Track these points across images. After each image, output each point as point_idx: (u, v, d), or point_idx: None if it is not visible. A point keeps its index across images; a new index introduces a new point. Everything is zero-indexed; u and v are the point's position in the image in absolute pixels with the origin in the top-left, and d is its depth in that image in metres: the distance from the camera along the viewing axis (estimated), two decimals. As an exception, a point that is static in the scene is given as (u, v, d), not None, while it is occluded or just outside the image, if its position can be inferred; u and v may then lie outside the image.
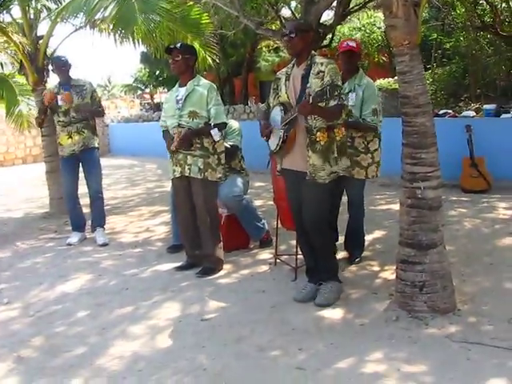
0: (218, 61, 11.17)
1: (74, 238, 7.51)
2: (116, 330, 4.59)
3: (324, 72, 4.52)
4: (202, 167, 5.65)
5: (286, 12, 17.16)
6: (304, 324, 4.43)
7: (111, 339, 4.41)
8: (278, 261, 5.97)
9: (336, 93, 4.41)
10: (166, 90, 37.47)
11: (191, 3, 10.75)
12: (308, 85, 4.56)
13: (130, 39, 9.82)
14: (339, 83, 4.55)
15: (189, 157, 5.66)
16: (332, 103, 4.47)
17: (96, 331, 4.60)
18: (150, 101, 43.34)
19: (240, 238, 6.54)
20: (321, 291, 4.85)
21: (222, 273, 5.79)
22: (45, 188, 9.84)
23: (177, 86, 5.88)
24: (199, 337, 4.33)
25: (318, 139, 4.57)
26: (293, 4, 16.31)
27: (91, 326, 4.73)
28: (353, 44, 5.73)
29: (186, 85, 5.73)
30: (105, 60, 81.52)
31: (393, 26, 4.31)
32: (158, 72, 30.26)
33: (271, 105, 4.97)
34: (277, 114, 4.81)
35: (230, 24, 16.78)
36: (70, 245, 7.37)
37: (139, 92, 45.74)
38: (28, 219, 9.50)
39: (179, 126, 5.66)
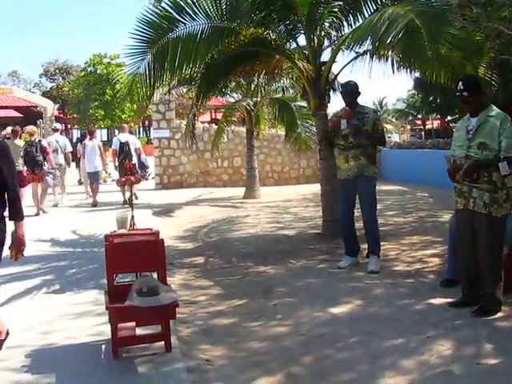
0: (496, 87, 10.67)
1: (346, 261, 7.54)
2: (386, 361, 4.51)
3: None
4: (487, 202, 5.34)
5: None
6: None
7: (381, 369, 4.35)
8: None
9: None
10: (438, 116, 36.80)
11: (472, 29, 10.44)
12: None
13: (408, 66, 9.86)
14: None
15: (474, 190, 5.40)
16: None
17: (366, 359, 4.56)
18: (421, 127, 42.86)
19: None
20: None
21: (499, 315, 5.41)
22: (317, 209, 10.09)
23: (468, 115, 5.68)
24: (474, 382, 4.08)
25: None
26: None
27: (361, 353, 4.70)
28: None
29: (477, 115, 5.51)
30: (377, 85, 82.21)
31: None
32: (431, 98, 29.77)
33: None
34: None
35: (512, 48, 15.98)
36: (340, 268, 7.43)
37: (410, 118, 45.62)
38: (301, 238, 9.80)
39: (467, 156, 5.44)
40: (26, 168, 13.69)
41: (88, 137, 17.46)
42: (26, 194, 13.63)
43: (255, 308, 6.02)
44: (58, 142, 16.13)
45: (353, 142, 7.44)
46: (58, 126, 18.94)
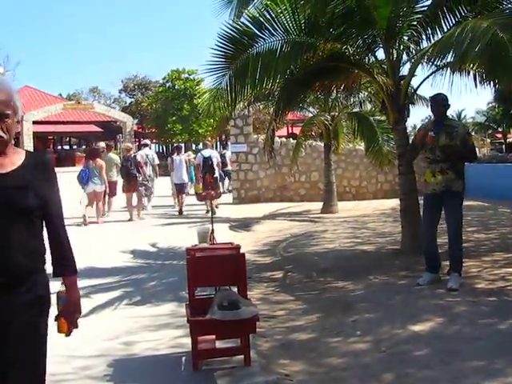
0: None
1: (426, 278, 7.40)
2: (468, 382, 4.43)
3: None
4: None
5: None
6: None
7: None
8: None
9: None
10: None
11: None
12: None
13: (492, 79, 9.64)
14: None
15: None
16: None
17: (447, 379, 4.50)
18: (501, 140, 41.77)
19: None
20: None
21: None
22: (396, 224, 9.98)
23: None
24: None
25: None
26: None
27: (442, 372, 4.63)
28: None
29: None
30: (456, 97, 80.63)
31: None
32: (513, 111, 29.04)
33: None
34: None
35: None
36: (420, 285, 7.30)
37: (490, 131, 44.57)
38: (380, 254, 9.71)
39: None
40: (122, 180, 15.88)
41: (176, 152, 18.72)
42: (115, 202, 16.46)
43: (334, 324, 6.00)
44: (147, 155, 17.63)
45: (440, 156, 7.33)
46: (147, 141, 21.23)
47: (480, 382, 4.41)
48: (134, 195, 15.74)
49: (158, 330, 5.91)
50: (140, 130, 53.57)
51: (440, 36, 9.27)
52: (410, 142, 8.64)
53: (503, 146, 46.61)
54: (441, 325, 5.81)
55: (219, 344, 5.02)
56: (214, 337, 4.93)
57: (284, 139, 22.07)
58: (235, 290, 5.00)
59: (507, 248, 9.70)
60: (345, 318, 6.18)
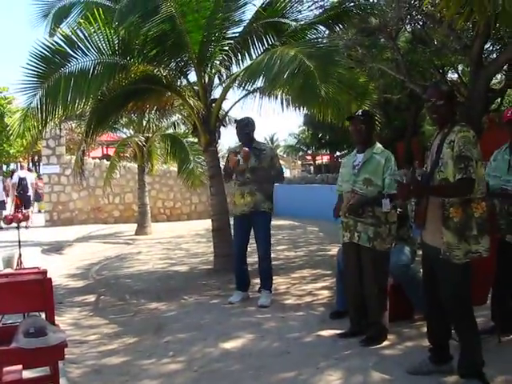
0: (381, 124, 11.19)
1: (237, 296, 7.59)
2: (277, 394, 4.57)
3: (454, 141, 4.27)
4: (371, 236, 5.55)
5: (452, 76, 16.87)
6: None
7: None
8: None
9: (462, 165, 4.18)
10: (328, 152, 37.82)
11: (357, 69, 10.94)
12: (441, 155, 4.36)
13: (297, 105, 10.18)
14: (468, 154, 4.19)
15: (359, 224, 5.60)
16: (458, 176, 4.20)
17: (257, 393, 4.61)
18: (311, 162, 43.84)
19: (405, 308, 6.34)
20: None
21: (385, 343, 5.60)
22: (209, 244, 10.13)
23: (355, 151, 5.90)
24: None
25: (451, 215, 4.29)
26: (460, 67, 16.01)
27: (253, 386, 4.75)
28: None
29: (364, 151, 5.73)
30: (269, 120, 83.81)
31: None
32: (320, 134, 30.65)
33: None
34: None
35: (395, 88, 16.77)
36: (231, 303, 7.46)
37: (301, 153, 46.59)
38: (193, 274, 9.81)
39: (353, 191, 5.65)
40: None
41: None
42: None
43: (147, 346, 5.95)
44: None
45: (250, 178, 7.52)
46: None
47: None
48: None
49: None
50: None
51: (250, 62, 9.64)
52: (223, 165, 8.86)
53: (311, 167, 49.03)
54: (251, 341, 5.95)
55: (27, 374, 4.80)
56: (20, 367, 4.70)
57: (98, 160, 21.68)
58: (43, 316, 4.82)
59: (315, 265, 10.18)
60: (158, 339, 6.15)
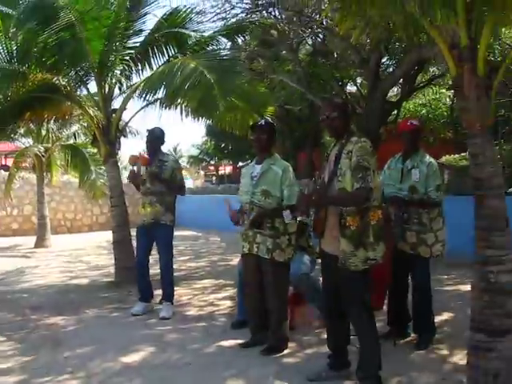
0: (282, 135, 11.36)
1: (139, 308, 7.51)
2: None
3: (352, 151, 4.41)
4: (270, 247, 5.58)
5: (351, 88, 17.36)
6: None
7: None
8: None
9: (360, 175, 4.32)
10: (230, 162, 37.97)
11: (259, 81, 11.09)
12: (339, 166, 4.49)
13: (198, 115, 10.22)
14: (366, 164, 4.34)
15: (258, 235, 5.62)
16: (356, 186, 4.34)
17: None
18: (214, 172, 43.86)
19: (305, 316, 6.45)
20: None
21: (286, 351, 5.68)
22: (110, 257, 9.97)
23: (254, 162, 5.93)
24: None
25: (348, 224, 4.41)
26: (358, 80, 16.49)
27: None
28: (415, 122, 5.85)
29: (262, 162, 5.77)
30: (172, 131, 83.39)
31: (465, 108, 4.29)
32: (223, 145, 30.75)
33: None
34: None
35: (297, 99, 17.08)
36: (134, 315, 7.38)
37: (204, 163, 46.50)
38: (94, 287, 9.61)
39: (251, 202, 5.67)
40: None
41: None
42: None
43: (45, 362, 5.76)
44: None
45: (150, 189, 7.48)
46: None
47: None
48: None
49: None
50: None
51: (150, 72, 9.60)
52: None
53: (214, 177, 49.11)
54: (152, 354, 5.88)
55: None
56: None
57: (-5, 171, 20.98)
58: None
59: (217, 275, 10.21)
60: (56, 355, 5.97)
